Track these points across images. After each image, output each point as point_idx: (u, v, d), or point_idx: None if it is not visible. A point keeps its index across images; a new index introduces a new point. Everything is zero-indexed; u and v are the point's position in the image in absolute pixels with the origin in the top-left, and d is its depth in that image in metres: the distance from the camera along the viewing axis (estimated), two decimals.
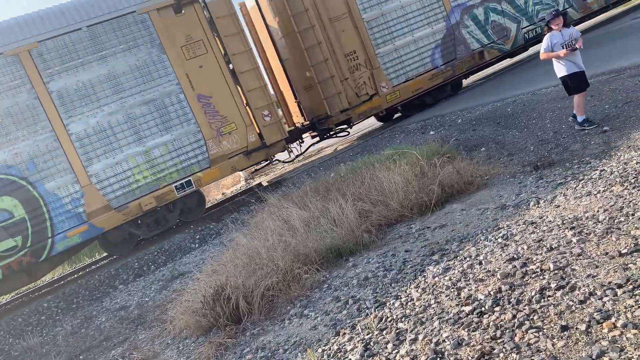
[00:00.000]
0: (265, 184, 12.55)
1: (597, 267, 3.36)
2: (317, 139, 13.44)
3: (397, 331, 3.62)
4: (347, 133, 13.33)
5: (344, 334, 3.93)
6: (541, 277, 3.49)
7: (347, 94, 12.10)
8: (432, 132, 9.89)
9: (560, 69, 6.75)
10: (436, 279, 4.15)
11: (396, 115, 14.44)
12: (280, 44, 12.83)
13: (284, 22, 12.22)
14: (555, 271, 3.49)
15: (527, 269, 3.66)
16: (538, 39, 13.60)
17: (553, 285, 3.32)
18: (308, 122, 12.91)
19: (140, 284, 8.54)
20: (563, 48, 6.55)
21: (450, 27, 13.04)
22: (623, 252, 3.39)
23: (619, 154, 5.31)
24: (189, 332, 5.29)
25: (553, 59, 6.77)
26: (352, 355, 3.56)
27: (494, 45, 13.43)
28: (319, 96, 12.05)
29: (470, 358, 2.98)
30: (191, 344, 5.11)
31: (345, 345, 3.75)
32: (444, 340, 3.26)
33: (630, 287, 2.99)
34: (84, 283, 9.26)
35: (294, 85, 13.12)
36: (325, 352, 3.79)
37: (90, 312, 7.99)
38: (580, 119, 6.61)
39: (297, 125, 13.43)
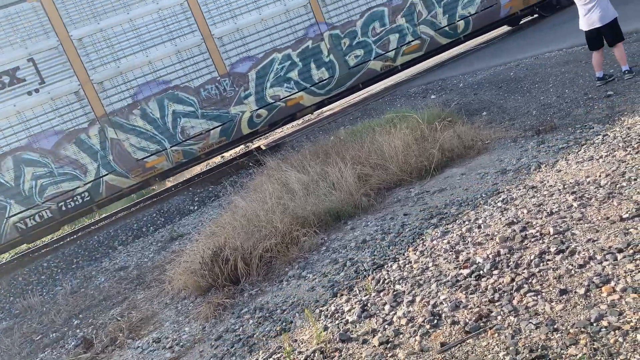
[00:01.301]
0: (263, 147, 12.45)
1: (597, 231, 3.34)
2: None
3: (395, 293, 3.63)
4: None
5: (342, 295, 3.94)
6: (541, 241, 3.48)
7: None
8: (433, 96, 9.74)
9: (605, 15, 6.50)
10: (434, 242, 4.14)
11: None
12: None
13: None
14: (555, 235, 3.47)
15: (527, 233, 3.65)
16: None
17: (552, 250, 3.31)
18: None
19: (139, 245, 8.57)
20: None
21: None
22: (624, 216, 3.37)
23: (622, 118, 5.23)
24: (188, 292, 5.32)
25: (599, 8, 6.53)
26: (350, 316, 3.58)
27: None
28: None
29: (467, 320, 2.99)
30: (189, 303, 5.15)
31: (342, 306, 3.77)
32: (441, 303, 3.27)
33: (631, 251, 2.98)
34: (83, 244, 9.30)
35: None
36: (322, 312, 3.81)
37: (90, 272, 8.05)
38: (625, 68, 6.47)
39: None
